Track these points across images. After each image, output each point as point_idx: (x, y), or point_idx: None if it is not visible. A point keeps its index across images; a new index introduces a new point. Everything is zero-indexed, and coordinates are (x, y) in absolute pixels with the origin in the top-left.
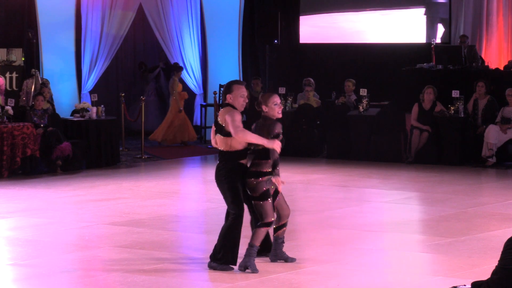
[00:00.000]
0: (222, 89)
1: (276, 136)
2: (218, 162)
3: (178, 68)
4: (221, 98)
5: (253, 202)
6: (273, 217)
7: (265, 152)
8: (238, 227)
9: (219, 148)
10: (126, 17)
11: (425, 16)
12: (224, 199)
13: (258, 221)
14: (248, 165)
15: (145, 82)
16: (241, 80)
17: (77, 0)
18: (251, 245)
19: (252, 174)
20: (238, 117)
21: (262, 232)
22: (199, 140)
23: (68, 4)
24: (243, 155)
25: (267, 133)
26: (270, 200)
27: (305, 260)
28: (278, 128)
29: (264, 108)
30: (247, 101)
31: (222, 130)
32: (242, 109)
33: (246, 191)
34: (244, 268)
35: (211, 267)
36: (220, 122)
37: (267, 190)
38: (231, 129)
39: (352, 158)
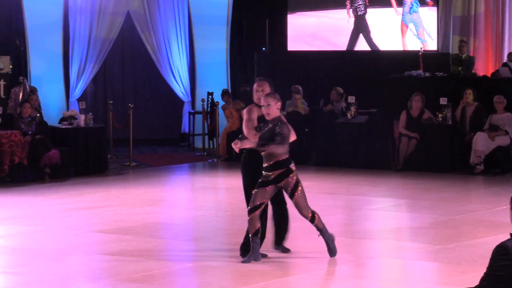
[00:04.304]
0: (210, 96)
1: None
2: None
3: None
4: (210, 105)
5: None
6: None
7: None
8: None
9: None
10: (115, 23)
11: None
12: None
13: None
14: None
15: None
16: (228, 88)
17: (65, 7)
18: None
19: None
20: None
21: None
22: (187, 147)
23: (56, 11)
24: None
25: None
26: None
27: (293, 268)
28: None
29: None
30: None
31: None
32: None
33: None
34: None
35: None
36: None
37: None
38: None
39: (340, 165)
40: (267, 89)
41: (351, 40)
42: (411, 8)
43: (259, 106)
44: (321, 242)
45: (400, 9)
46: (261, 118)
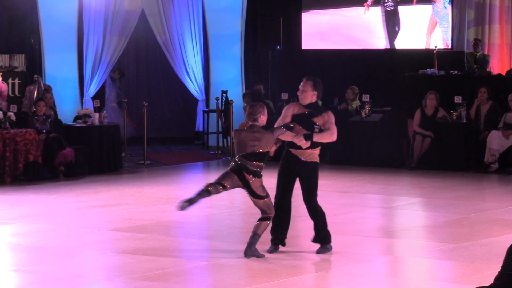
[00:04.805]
0: (224, 95)
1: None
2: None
3: None
4: (224, 103)
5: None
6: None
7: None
8: None
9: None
10: (129, 21)
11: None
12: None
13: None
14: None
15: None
16: (244, 87)
17: (79, 6)
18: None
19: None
20: None
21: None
22: (202, 146)
23: (71, 10)
24: None
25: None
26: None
27: (307, 266)
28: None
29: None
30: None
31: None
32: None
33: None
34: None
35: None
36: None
37: None
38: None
39: (355, 163)
40: (309, 89)
41: (390, 36)
42: (443, 3)
43: (301, 105)
44: (333, 242)
45: (430, 6)
46: (296, 116)
